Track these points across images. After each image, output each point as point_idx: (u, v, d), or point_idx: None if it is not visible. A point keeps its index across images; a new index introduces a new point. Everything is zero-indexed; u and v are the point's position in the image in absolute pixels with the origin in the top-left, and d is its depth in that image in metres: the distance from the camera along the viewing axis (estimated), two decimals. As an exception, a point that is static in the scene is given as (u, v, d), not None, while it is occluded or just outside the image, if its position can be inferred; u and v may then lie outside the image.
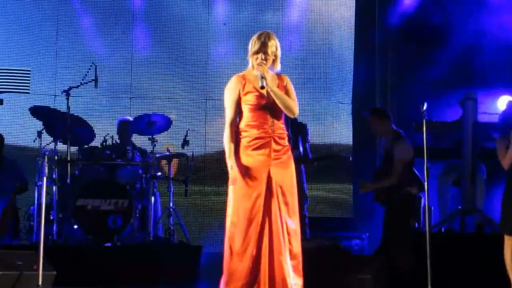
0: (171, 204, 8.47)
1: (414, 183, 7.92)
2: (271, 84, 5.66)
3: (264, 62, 5.66)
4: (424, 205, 8.17)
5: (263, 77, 5.59)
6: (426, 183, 7.05)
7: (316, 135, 10.04)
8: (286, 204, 5.66)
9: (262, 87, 5.61)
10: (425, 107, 6.87)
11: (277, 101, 5.67)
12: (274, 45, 5.72)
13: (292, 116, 5.82)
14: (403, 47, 11.17)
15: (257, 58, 5.68)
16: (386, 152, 8.13)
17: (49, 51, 10.74)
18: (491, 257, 7.05)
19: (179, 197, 9.12)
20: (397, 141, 8.11)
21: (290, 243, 5.64)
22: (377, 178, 8.03)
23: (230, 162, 5.64)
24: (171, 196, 8.55)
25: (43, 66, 10.89)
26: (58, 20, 10.72)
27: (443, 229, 8.06)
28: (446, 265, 7.11)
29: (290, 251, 5.64)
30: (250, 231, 5.59)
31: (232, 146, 5.67)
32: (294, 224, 5.68)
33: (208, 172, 10.49)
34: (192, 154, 8.76)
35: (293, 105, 5.75)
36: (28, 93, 10.58)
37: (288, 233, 5.64)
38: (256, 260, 5.59)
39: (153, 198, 8.30)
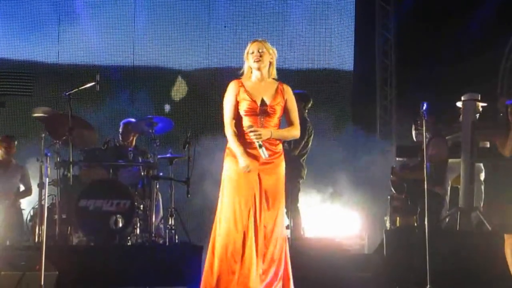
0: (172, 205, 8.50)
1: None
2: (268, 96, 5.75)
3: (260, 58, 5.73)
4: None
5: (261, 146, 5.65)
6: (425, 182, 7.10)
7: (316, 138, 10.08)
8: (268, 208, 5.69)
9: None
10: (424, 107, 6.92)
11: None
12: (270, 48, 5.80)
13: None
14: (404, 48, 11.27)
15: (253, 57, 5.74)
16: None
17: (51, 53, 10.81)
18: (489, 255, 7.10)
19: (181, 198, 9.15)
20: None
21: (266, 247, 5.66)
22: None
23: (243, 158, 5.66)
24: (173, 196, 8.58)
25: (46, 68, 10.96)
26: (59, 21, 10.79)
27: (442, 227, 8.10)
28: (444, 262, 7.14)
29: (264, 255, 5.65)
30: (235, 234, 5.61)
31: (240, 146, 5.70)
32: (274, 228, 5.70)
33: (209, 172, 10.52)
34: (194, 154, 8.77)
35: (293, 134, 5.88)
36: (30, 95, 10.64)
37: (265, 237, 5.66)
38: (241, 262, 5.59)
39: (154, 199, 8.34)
